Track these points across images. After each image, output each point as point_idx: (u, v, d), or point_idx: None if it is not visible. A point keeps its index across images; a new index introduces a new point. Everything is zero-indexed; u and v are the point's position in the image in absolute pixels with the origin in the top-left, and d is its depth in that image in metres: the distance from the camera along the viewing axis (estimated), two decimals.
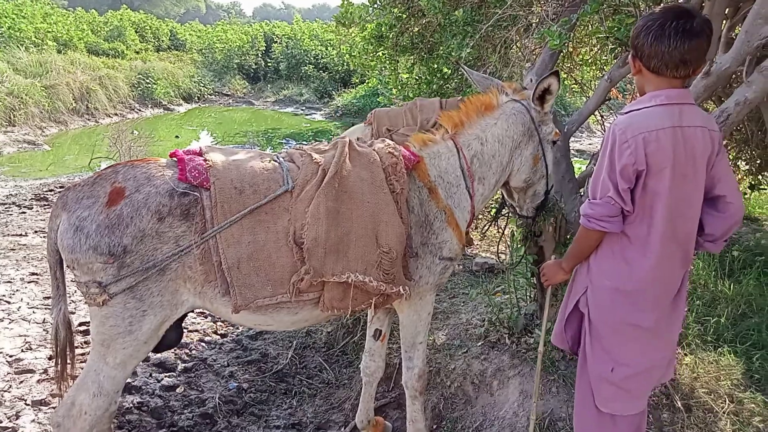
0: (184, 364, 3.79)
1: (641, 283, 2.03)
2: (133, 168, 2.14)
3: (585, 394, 2.19)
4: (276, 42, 24.55)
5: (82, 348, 3.86)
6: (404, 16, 4.90)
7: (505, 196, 2.89)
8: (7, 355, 3.72)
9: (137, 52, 22.61)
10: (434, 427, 3.06)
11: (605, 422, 2.17)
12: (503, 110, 2.60)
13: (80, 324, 4.18)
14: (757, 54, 2.61)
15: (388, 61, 5.61)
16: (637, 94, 2.19)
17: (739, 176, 5.45)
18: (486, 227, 3.33)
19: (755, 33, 2.48)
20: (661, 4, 3.05)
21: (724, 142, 4.82)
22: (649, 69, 1.94)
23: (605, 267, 2.09)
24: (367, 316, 2.95)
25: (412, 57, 5.35)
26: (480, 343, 3.32)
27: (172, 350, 3.86)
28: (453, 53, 4.26)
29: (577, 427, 2.32)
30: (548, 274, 2.39)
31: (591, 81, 5.56)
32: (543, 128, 2.63)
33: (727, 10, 3.33)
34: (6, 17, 17.12)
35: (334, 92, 21.30)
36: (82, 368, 2.27)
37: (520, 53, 4.67)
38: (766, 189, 5.49)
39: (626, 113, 1.98)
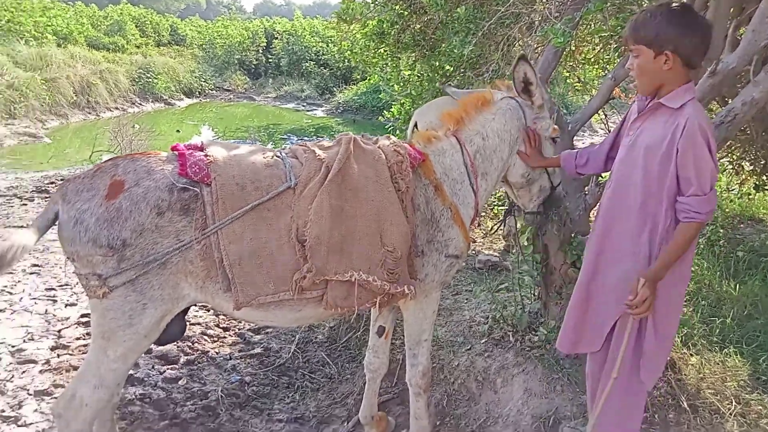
0: (186, 357, 3.78)
1: (691, 262, 2.22)
2: (134, 161, 2.13)
3: (624, 384, 2.23)
4: (277, 38, 24.49)
5: (84, 339, 3.86)
6: (406, 13, 4.88)
7: (512, 196, 2.89)
8: (9, 345, 3.72)
9: (138, 47, 22.55)
10: (438, 423, 3.06)
11: (642, 397, 2.30)
12: (499, 106, 2.62)
13: (82, 316, 4.18)
14: (763, 53, 2.61)
15: (389, 58, 5.59)
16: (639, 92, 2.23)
17: (744, 176, 5.46)
18: (496, 227, 3.33)
19: (763, 32, 2.48)
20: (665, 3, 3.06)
21: (728, 143, 4.83)
22: (687, 64, 2.03)
23: None
24: (370, 312, 2.95)
25: (413, 54, 5.32)
26: (484, 341, 3.32)
27: (175, 342, 3.85)
28: (455, 51, 4.25)
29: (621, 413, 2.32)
30: (649, 292, 2.09)
31: (593, 80, 5.56)
32: (539, 123, 2.64)
33: (732, 9, 3.33)
34: (5, 11, 17.05)
35: (335, 88, 21.27)
36: (83, 359, 2.26)
37: (522, 52, 4.67)
38: None
39: (682, 106, 2.04)
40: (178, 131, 14.51)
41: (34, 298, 4.45)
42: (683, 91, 2.05)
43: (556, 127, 2.71)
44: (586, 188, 3.47)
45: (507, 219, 3.20)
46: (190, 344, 3.92)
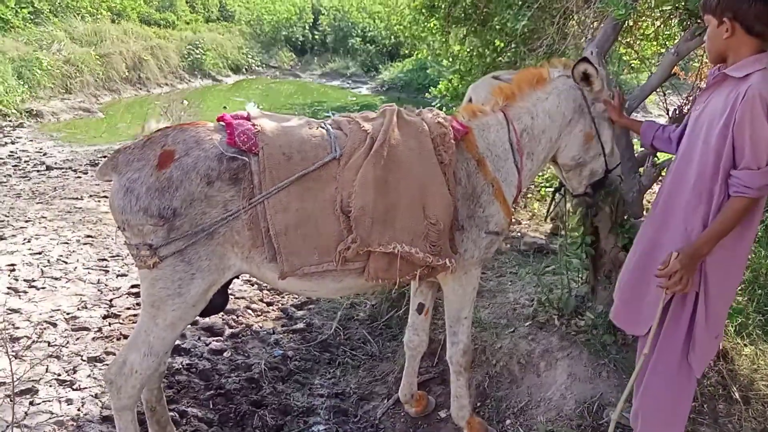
0: (231, 330, 3.86)
1: (749, 247, 2.09)
2: (183, 131, 2.15)
3: (675, 368, 2.18)
4: (323, 14, 24.41)
5: (134, 309, 3.98)
6: None
7: (560, 177, 2.80)
8: (65, 312, 3.87)
9: (187, 23, 22.78)
10: (478, 404, 3.04)
11: (692, 383, 2.22)
12: (555, 85, 2.52)
13: (132, 286, 4.31)
14: None
15: (439, 33, 5.48)
16: (706, 65, 2.13)
17: None
18: (548, 213, 3.24)
19: None
20: None
21: None
22: (750, 32, 1.93)
23: (729, 238, 2.03)
24: (410, 289, 2.93)
25: (464, 28, 5.20)
26: (528, 324, 3.26)
27: (220, 316, 3.94)
28: (508, 25, 4.12)
29: (664, 405, 2.25)
30: (690, 270, 2.03)
31: (651, 58, 5.31)
32: (597, 105, 2.54)
33: None
34: None
35: (380, 66, 21.08)
36: (133, 329, 2.32)
37: (578, 27, 4.49)
38: None
39: (744, 77, 1.94)
40: (224, 107, 14.63)
41: (88, 268, 4.62)
42: (752, 61, 1.95)
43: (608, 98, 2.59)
44: (641, 169, 3.33)
45: (556, 199, 3.11)
46: (234, 318, 4.00)
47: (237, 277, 2.33)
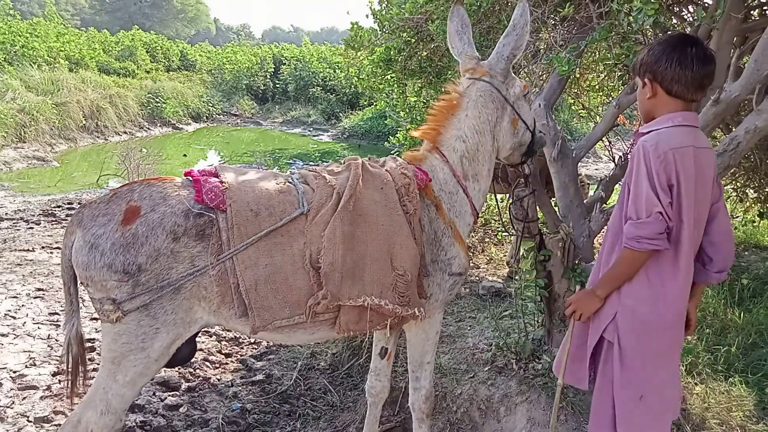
0: (187, 384, 3.76)
1: (674, 304, 2.01)
2: (149, 187, 2.14)
3: (605, 423, 2.14)
4: (285, 64, 24.83)
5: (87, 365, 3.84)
6: (413, 40, 4.94)
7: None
8: (11, 371, 3.70)
9: (147, 72, 22.90)
10: None
11: None
12: (468, 98, 2.54)
13: (86, 341, 4.16)
14: (766, 82, 2.63)
15: (396, 84, 5.65)
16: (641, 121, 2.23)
17: (748, 204, 5.45)
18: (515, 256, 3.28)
19: (765, 62, 2.50)
20: (668, 32, 3.10)
21: (732, 170, 4.84)
22: (669, 93, 1.99)
23: (641, 292, 2.03)
24: (373, 339, 2.93)
25: (420, 81, 5.39)
26: (487, 368, 3.29)
27: (176, 369, 3.83)
28: None
29: None
30: (581, 305, 2.16)
31: (597, 107, 5.59)
32: (510, 91, 2.59)
33: (735, 38, 3.36)
34: (20, 36, 17.40)
35: (341, 114, 21.45)
36: (89, 386, 2.25)
37: (527, 78, 4.71)
38: None
39: (647, 132, 2.00)
40: (185, 155, 14.64)
41: (38, 323, 4.45)
42: (661, 120, 2.00)
43: (525, 83, 2.65)
44: (590, 215, 3.46)
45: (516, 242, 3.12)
46: (191, 370, 3.90)
47: None
